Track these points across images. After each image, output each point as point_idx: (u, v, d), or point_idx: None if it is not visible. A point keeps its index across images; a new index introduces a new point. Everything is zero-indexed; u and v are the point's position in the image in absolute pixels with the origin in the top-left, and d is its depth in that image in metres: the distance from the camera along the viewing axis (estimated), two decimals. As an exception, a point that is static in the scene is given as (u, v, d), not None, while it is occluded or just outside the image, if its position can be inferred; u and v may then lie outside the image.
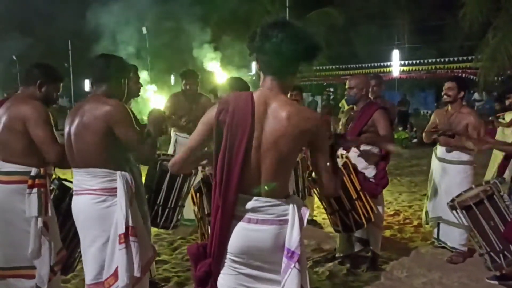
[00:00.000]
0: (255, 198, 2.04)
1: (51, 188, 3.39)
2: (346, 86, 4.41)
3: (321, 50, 2.12)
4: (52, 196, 3.36)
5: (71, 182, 3.35)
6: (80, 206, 2.84)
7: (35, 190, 3.04)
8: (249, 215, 2.05)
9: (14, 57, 26.66)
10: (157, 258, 4.36)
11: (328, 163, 2.15)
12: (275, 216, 2.05)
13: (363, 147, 4.21)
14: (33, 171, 3.06)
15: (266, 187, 2.04)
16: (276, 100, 2.05)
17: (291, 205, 2.06)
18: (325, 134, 2.11)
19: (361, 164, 4.20)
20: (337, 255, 4.52)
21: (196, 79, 5.87)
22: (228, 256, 2.09)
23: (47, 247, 3.07)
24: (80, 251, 3.41)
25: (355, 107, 4.42)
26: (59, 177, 3.41)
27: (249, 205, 2.04)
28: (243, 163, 2.00)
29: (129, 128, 2.77)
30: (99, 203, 2.78)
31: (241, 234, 2.05)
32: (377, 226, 4.27)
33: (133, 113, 4.05)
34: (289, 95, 6.11)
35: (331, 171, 2.17)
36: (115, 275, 2.75)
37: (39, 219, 3.04)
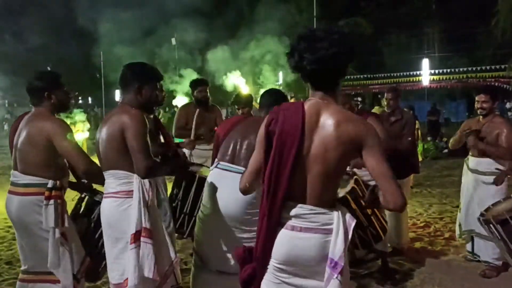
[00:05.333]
0: (299, 205, 2.04)
1: (83, 195, 3.46)
2: None
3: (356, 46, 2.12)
4: (84, 204, 3.44)
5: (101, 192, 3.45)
6: (105, 208, 2.95)
7: (51, 201, 3.10)
8: (293, 222, 2.05)
9: (49, 69, 27.47)
10: (184, 267, 4.38)
11: (390, 169, 1.98)
12: (319, 225, 2.03)
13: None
14: (50, 183, 3.12)
15: (311, 194, 2.03)
16: (328, 110, 2.04)
17: (336, 214, 2.04)
18: (377, 140, 2.00)
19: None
20: None
21: (207, 86, 5.83)
22: (272, 262, 2.11)
23: (67, 256, 3.14)
24: None
25: None
26: (90, 185, 3.48)
27: (294, 212, 2.05)
28: (291, 172, 2.01)
29: (136, 136, 2.78)
30: (118, 206, 2.87)
31: (285, 242, 2.06)
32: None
33: (158, 121, 4.11)
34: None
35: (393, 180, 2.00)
36: None
37: (57, 230, 3.10)
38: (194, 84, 5.86)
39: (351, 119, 2.03)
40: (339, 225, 2.01)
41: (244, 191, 2.29)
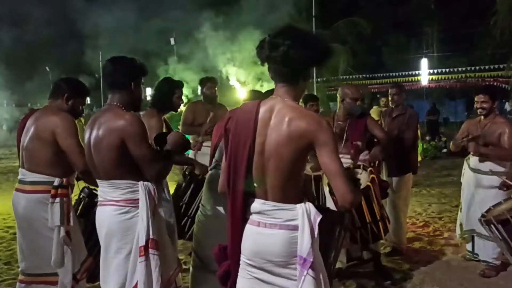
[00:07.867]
0: (262, 201, 2.06)
1: (81, 196, 3.45)
2: (351, 97, 4.33)
3: (331, 53, 2.10)
4: (81, 204, 3.43)
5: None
6: (104, 216, 2.76)
7: (57, 199, 3.10)
8: (258, 218, 2.07)
9: (47, 68, 27.46)
10: (183, 267, 4.37)
11: (341, 167, 2.00)
12: (283, 221, 2.04)
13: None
14: (56, 181, 3.13)
15: (272, 190, 2.04)
16: (282, 106, 2.05)
17: (300, 211, 2.03)
18: (330, 137, 2.00)
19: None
20: (342, 267, 4.40)
21: (216, 84, 5.89)
22: (242, 258, 2.13)
23: (69, 255, 3.13)
24: None
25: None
26: (88, 186, 3.46)
27: (257, 208, 2.07)
28: (247, 168, 2.04)
29: (141, 144, 2.64)
30: (121, 215, 2.70)
31: (251, 238, 2.09)
32: None
33: (166, 123, 4.09)
34: (308, 106, 6.01)
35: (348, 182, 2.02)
36: None
37: (62, 228, 3.09)
38: (203, 80, 5.93)
39: (303, 116, 2.02)
40: (304, 221, 2.00)
41: (221, 192, 2.28)
